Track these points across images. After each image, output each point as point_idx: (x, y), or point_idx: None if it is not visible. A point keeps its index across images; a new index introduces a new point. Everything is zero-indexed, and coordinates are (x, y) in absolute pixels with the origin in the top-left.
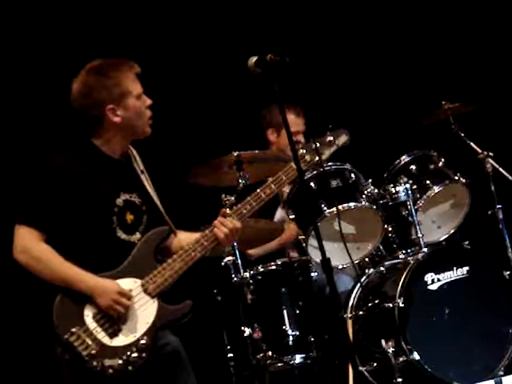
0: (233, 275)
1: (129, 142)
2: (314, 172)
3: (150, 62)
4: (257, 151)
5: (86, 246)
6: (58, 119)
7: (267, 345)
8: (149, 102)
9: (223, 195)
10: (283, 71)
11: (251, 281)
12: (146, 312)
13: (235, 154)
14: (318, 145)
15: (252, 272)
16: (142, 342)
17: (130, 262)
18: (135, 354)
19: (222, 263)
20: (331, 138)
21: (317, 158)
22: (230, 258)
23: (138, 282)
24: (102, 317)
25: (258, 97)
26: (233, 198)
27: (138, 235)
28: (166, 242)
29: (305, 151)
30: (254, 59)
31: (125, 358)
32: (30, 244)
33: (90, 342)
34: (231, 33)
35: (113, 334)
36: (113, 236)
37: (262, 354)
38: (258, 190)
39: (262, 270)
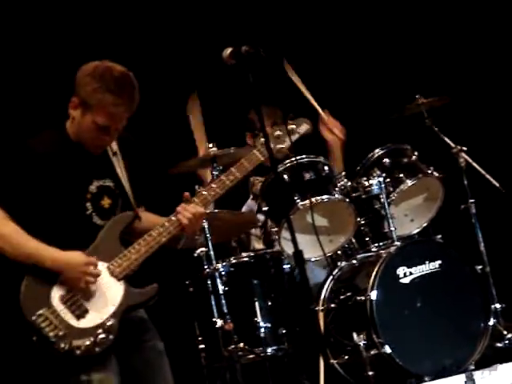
0: (205, 266)
1: None
2: (288, 164)
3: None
4: (232, 149)
5: (57, 231)
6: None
7: (239, 336)
8: (103, 139)
9: (197, 186)
10: (258, 63)
11: (223, 272)
12: (112, 294)
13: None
14: (280, 133)
15: (224, 263)
16: (109, 323)
17: (95, 246)
18: (102, 335)
19: (195, 254)
20: (293, 127)
21: (280, 146)
22: (202, 249)
23: (105, 264)
24: (69, 298)
25: (233, 89)
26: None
27: None
28: (132, 226)
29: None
30: (228, 50)
31: (92, 339)
32: None
33: (57, 324)
34: (210, 24)
35: (80, 316)
36: (89, 222)
37: (233, 346)
38: (222, 177)
39: (234, 261)
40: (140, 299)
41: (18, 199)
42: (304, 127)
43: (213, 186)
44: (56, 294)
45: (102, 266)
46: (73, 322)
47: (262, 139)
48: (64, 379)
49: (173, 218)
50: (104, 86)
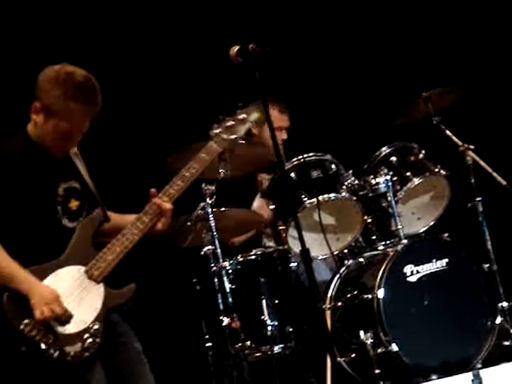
0: (212, 265)
1: None
2: (295, 162)
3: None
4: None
5: (31, 237)
6: None
7: (246, 335)
8: (67, 144)
9: (203, 184)
10: (265, 62)
11: (230, 270)
12: (93, 298)
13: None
14: (232, 123)
15: (231, 262)
16: (95, 327)
17: (70, 250)
18: (90, 340)
19: (202, 253)
20: (244, 115)
21: (233, 136)
22: (209, 247)
23: (82, 268)
24: None
25: (239, 87)
26: (213, 188)
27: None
28: (103, 227)
29: (220, 130)
30: (235, 49)
31: (80, 344)
32: None
33: (44, 332)
34: (213, 22)
35: (65, 323)
36: (59, 226)
37: (240, 344)
38: (183, 170)
39: (241, 259)
40: (119, 300)
41: None
42: (254, 115)
43: (175, 181)
44: None
45: (79, 271)
46: (59, 329)
47: (217, 130)
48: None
49: (142, 216)
50: (67, 92)
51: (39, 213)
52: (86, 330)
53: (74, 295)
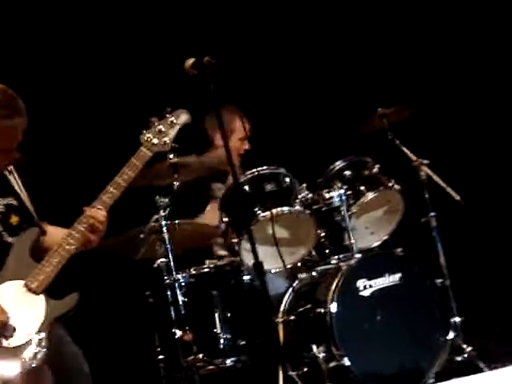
0: (165, 277)
1: None
2: (249, 175)
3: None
4: (193, 157)
5: None
6: None
7: (198, 347)
8: (4, 160)
9: (157, 197)
10: (221, 73)
11: (183, 283)
12: (36, 309)
13: (169, 161)
14: (161, 127)
15: (184, 274)
16: (39, 337)
17: (9, 265)
18: (36, 350)
19: (155, 265)
20: (172, 119)
21: (164, 139)
22: (162, 259)
23: (22, 282)
24: None
25: (193, 98)
26: (167, 200)
27: None
28: (39, 241)
29: (151, 135)
30: (190, 61)
31: (26, 354)
32: None
33: None
34: (170, 34)
35: (9, 337)
36: (0, 241)
37: (192, 357)
38: (116, 178)
39: (194, 272)
40: (62, 310)
41: None
42: (183, 118)
43: (109, 188)
44: None
45: (19, 284)
46: (5, 343)
47: (147, 135)
48: None
49: (77, 226)
50: (6, 104)
51: None
52: (31, 341)
53: (16, 309)
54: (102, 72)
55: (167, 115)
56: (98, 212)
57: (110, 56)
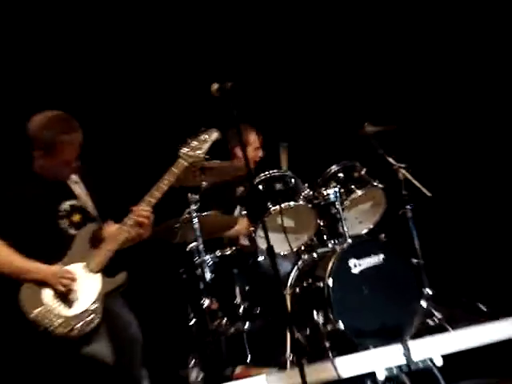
0: (196, 258)
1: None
2: (263, 177)
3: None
4: (218, 162)
5: (39, 247)
6: None
7: (223, 314)
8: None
9: (189, 194)
10: (238, 96)
11: (210, 263)
12: (93, 285)
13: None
14: (196, 143)
15: (211, 256)
16: (95, 306)
17: (72, 251)
18: (91, 316)
19: (188, 248)
20: (206, 136)
21: (198, 152)
22: (194, 243)
23: (83, 264)
24: (58, 296)
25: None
26: (197, 196)
27: None
28: (98, 233)
29: (188, 150)
30: (215, 86)
31: (83, 321)
32: None
33: (52, 317)
34: (194, 59)
35: (69, 306)
36: (66, 234)
37: (218, 321)
38: (159, 182)
39: (219, 254)
40: (113, 285)
41: (6, 228)
42: (214, 135)
43: (153, 191)
44: (47, 294)
45: (82, 266)
46: (65, 312)
47: (185, 149)
48: (69, 355)
49: (127, 220)
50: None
51: (44, 226)
52: (87, 309)
53: (79, 284)
54: (151, 98)
55: (200, 133)
56: (143, 210)
57: (157, 86)
